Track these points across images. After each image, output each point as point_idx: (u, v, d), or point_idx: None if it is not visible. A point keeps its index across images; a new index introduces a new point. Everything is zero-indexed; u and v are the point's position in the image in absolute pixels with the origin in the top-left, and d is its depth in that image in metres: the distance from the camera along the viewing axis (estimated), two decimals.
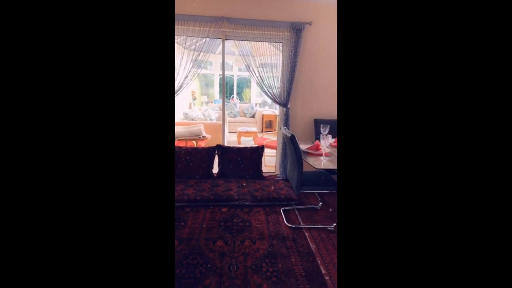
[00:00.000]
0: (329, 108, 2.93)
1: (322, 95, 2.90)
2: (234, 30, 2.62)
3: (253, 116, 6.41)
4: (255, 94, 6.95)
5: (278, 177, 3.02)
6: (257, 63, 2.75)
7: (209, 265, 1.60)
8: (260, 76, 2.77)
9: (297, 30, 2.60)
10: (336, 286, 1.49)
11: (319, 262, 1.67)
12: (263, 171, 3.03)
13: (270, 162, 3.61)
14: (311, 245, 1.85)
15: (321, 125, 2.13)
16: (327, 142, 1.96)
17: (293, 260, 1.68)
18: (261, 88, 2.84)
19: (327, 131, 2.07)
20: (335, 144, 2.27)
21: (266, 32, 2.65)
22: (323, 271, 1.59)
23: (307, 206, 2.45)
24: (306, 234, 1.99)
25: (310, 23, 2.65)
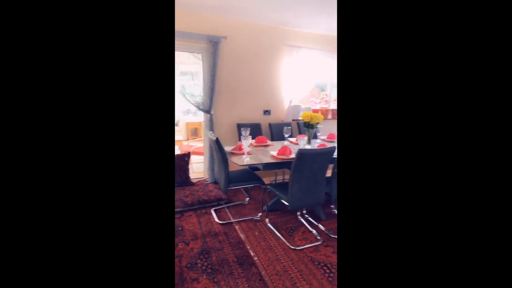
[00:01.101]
0: (249, 112, 3.26)
1: (243, 101, 3.21)
2: None
3: (176, 125, 6.25)
4: (177, 102, 6.80)
5: (207, 181, 3.12)
6: (178, 72, 2.81)
7: None
8: (182, 84, 2.84)
9: (214, 43, 2.82)
10: (262, 262, 1.74)
11: (248, 247, 1.89)
12: (192, 177, 3.08)
13: (198, 169, 3.67)
14: (240, 235, 2.06)
15: (242, 128, 2.40)
16: (248, 142, 2.23)
17: (225, 251, 1.84)
18: (184, 96, 2.91)
19: (248, 133, 2.35)
20: (255, 144, 2.58)
21: (185, 43, 2.75)
22: (252, 254, 1.82)
23: (236, 203, 2.66)
24: (236, 227, 2.19)
25: (225, 37, 2.92)
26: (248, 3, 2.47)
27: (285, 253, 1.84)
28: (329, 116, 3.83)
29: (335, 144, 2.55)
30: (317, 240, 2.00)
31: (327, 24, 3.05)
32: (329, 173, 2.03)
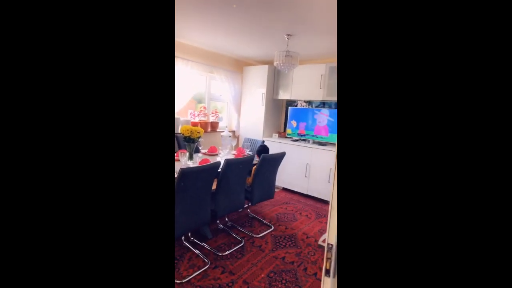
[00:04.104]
0: None
1: None
2: None
3: None
4: None
5: None
6: None
7: None
8: None
9: None
10: None
11: None
12: None
13: None
14: None
15: None
16: None
17: None
18: None
19: None
20: None
21: None
22: None
23: None
24: None
25: None
26: None
27: None
28: (209, 129, 3.83)
29: (218, 158, 2.53)
30: (205, 264, 1.85)
31: (209, 40, 3.06)
32: (213, 186, 1.96)
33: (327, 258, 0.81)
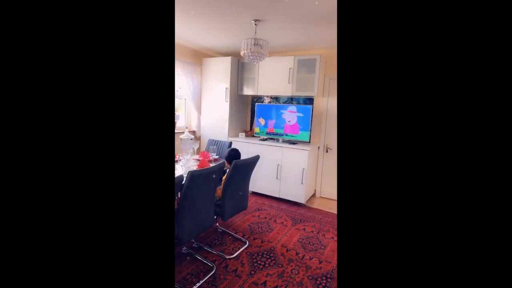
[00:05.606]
0: None
1: None
2: None
3: None
4: None
5: None
6: None
7: None
8: None
9: None
10: None
11: None
12: None
13: None
14: None
15: None
16: None
17: None
18: None
19: None
20: None
21: None
22: None
23: None
24: None
25: None
26: None
27: None
28: None
29: (178, 166, 2.07)
30: None
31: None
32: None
33: None
